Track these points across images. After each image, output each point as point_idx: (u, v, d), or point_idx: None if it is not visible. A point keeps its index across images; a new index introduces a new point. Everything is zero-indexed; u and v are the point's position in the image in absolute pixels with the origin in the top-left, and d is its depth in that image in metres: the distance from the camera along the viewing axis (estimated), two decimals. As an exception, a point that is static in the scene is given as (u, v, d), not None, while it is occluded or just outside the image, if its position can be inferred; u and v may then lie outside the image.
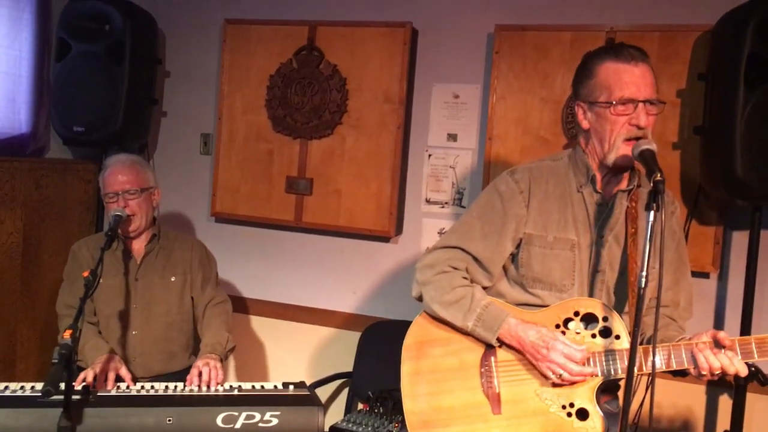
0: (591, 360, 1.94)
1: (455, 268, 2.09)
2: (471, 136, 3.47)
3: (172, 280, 2.96)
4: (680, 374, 1.95)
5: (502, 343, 2.01)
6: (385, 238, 3.59)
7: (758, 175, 2.65)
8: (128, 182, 2.85)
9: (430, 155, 3.54)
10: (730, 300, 3.12)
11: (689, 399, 3.19)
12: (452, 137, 3.50)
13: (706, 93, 2.91)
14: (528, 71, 3.27)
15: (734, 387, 2.96)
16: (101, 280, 2.82)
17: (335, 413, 3.67)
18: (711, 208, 3.06)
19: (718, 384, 3.16)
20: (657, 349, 1.89)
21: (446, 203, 3.51)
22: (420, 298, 2.13)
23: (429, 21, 3.51)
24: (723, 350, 1.85)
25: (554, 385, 1.96)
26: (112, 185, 2.85)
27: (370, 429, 3.05)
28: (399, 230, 3.58)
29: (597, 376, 1.94)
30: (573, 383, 1.93)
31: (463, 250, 2.09)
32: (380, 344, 3.44)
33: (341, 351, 3.62)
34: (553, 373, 1.92)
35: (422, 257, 2.17)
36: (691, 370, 1.88)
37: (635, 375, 1.78)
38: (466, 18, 3.45)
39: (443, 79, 3.51)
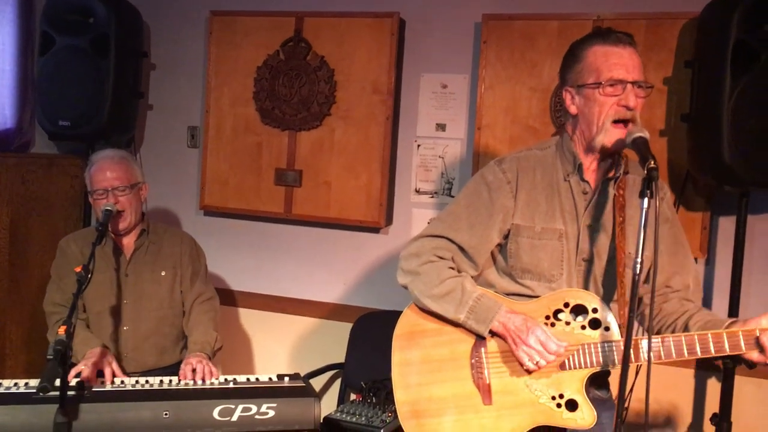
0: (584, 351, 1.94)
1: (441, 258, 2.08)
2: (460, 126, 3.48)
3: (162, 274, 2.95)
4: (736, 361, 1.92)
5: (493, 334, 2.01)
6: (375, 229, 3.60)
7: (745, 162, 2.68)
8: (117, 179, 2.82)
9: (419, 145, 3.54)
10: (718, 285, 3.15)
11: (679, 383, 3.22)
12: (441, 127, 3.51)
13: (692, 80, 2.93)
14: (516, 60, 3.28)
15: (722, 370, 2.99)
16: (90, 277, 2.82)
17: (328, 404, 3.68)
18: (698, 194, 3.09)
19: (707, 368, 3.21)
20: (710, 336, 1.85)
21: (436, 193, 3.52)
22: (407, 286, 2.12)
23: (416, 11, 3.51)
24: None
25: (537, 374, 1.96)
26: (101, 182, 2.81)
27: (363, 419, 3.06)
28: (389, 221, 3.59)
29: (580, 371, 1.95)
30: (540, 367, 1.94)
31: (448, 239, 2.08)
32: (372, 334, 3.45)
33: (333, 342, 3.63)
34: (530, 358, 1.92)
35: (407, 245, 2.15)
36: (754, 356, 1.83)
37: (644, 363, 1.78)
38: (453, 7, 3.45)
39: (431, 69, 3.51)
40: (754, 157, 2.66)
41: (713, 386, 3.17)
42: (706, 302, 3.18)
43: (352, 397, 3.37)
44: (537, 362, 1.92)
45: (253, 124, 3.70)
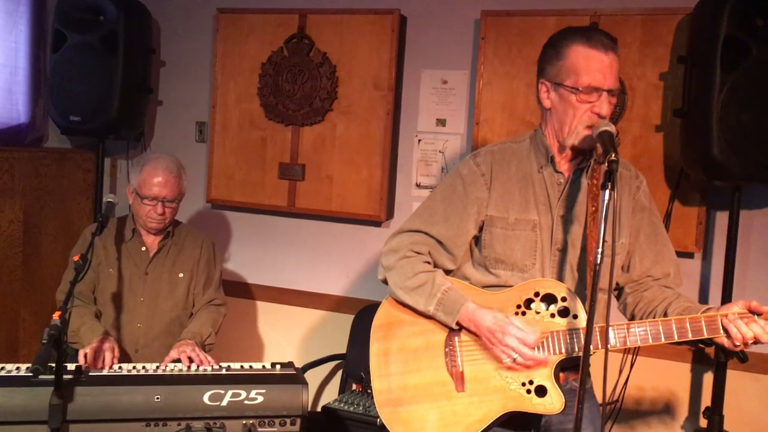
0: (551, 339, 1.98)
1: (418, 253, 2.13)
2: (459, 121, 3.52)
3: (180, 276, 3.01)
4: (706, 344, 1.98)
5: (461, 326, 2.06)
6: (376, 223, 3.65)
7: (735, 157, 2.69)
8: (171, 192, 2.90)
9: (419, 140, 3.59)
10: (714, 279, 3.15)
11: (674, 377, 3.24)
12: (441, 122, 3.55)
13: (685, 76, 2.93)
14: (513, 56, 3.31)
15: (715, 365, 3.00)
16: (111, 270, 2.92)
17: (330, 394, 3.75)
18: (693, 189, 3.09)
19: (704, 362, 3.21)
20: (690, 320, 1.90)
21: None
22: (386, 281, 2.18)
23: (417, 7, 3.55)
24: (757, 318, 1.85)
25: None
26: (152, 189, 2.87)
27: (361, 409, 3.12)
28: (390, 214, 3.64)
29: (549, 359, 1.98)
30: (527, 367, 1.98)
31: (426, 233, 2.13)
32: (372, 326, 3.50)
33: (335, 333, 3.69)
34: (508, 357, 1.97)
35: (387, 241, 2.20)
36: (724, 341, 1.87)
37: (606, 352, 1.81)
38: (453, 4, 3.49)
39: (432, 65, 3.55)
40: (743, 151, 2.67)
41: (709, 380, 3.18)
42: (703, 297, 3.19)
43: (353, 387, 3.44)
44: (514, 359, 1.96)
45: (258, 120, 3.78)
